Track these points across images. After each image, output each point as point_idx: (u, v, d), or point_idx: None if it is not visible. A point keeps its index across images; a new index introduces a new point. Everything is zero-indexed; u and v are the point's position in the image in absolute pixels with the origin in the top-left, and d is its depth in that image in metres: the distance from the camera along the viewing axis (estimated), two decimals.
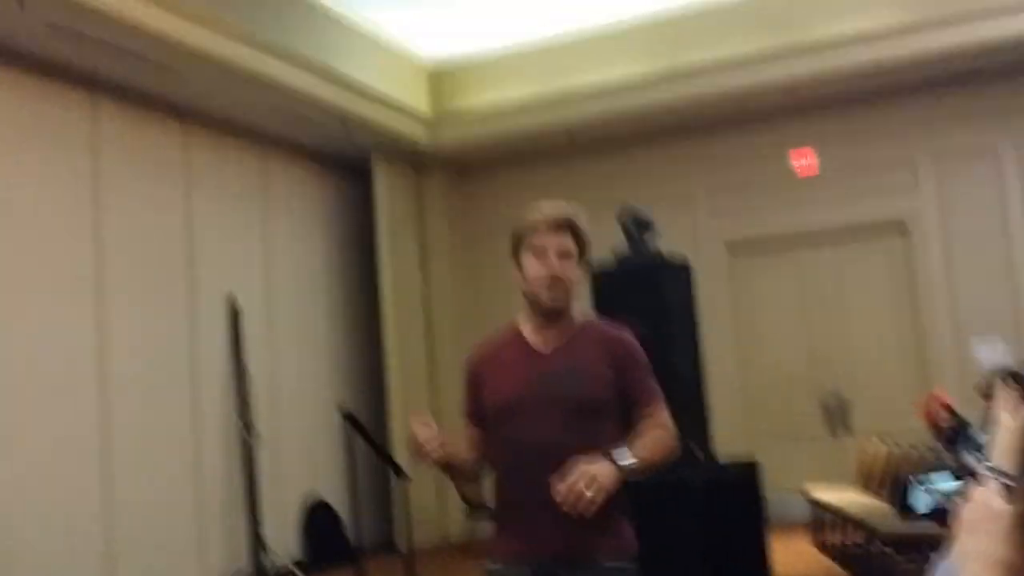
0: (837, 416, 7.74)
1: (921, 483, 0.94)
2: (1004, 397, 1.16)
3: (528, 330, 2.33)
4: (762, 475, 4.95)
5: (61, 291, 5.69)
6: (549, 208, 2.32)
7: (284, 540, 7.09)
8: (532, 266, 2.26)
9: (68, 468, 5.57)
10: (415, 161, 8.42)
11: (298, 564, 6.83)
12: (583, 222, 2.32)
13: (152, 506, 6.03)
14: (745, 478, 4.79)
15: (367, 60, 7.34)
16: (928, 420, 6.19)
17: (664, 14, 7.41)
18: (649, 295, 4.68)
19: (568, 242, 2.28)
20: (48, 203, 5.68)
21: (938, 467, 1.03)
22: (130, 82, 6.09)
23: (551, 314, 2.29)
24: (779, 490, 7.30)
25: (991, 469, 0.96)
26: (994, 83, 7.26)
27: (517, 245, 2.31)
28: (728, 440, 7.62)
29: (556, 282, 2.25)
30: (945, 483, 0.93)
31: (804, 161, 7.83)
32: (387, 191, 8.16)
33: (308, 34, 6.70)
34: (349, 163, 8.21)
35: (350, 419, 5.11)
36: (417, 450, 2.21)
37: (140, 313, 6.20)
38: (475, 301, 8.43)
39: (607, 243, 5.37)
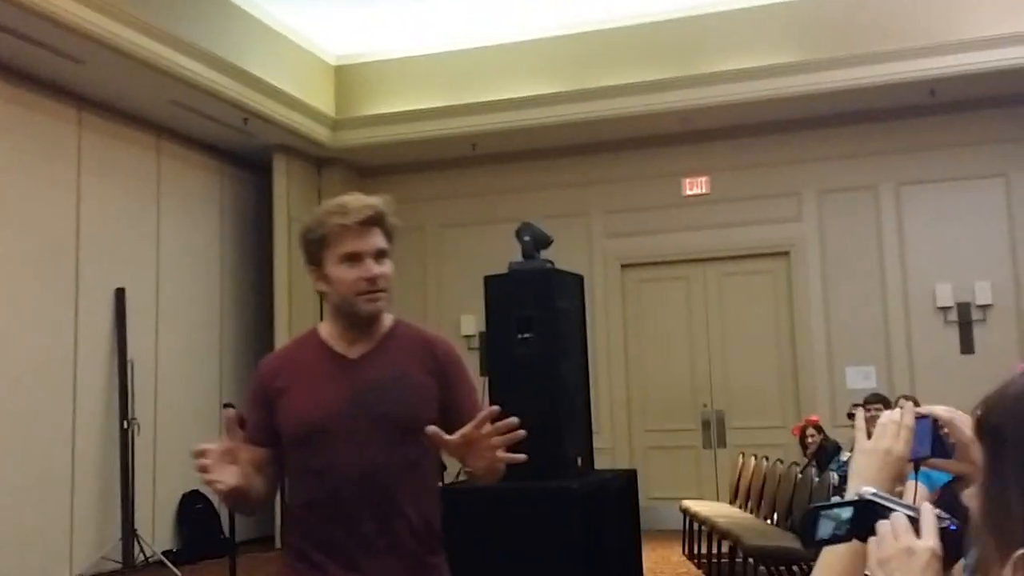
0: (714, 431, 8.04)
1: (823, 511, 1.03)
2: (863, 420, 1.26)
3: (331, 334, 2.00)
4: (639, 484, 5.15)
5: None
6: (354, 204, 1.95)
7: (160, 531, 7.03)
8: (345, 274, 1.93)
9: None
10: (317, 160, 8.43)
11: (170, 554, 6.77)
12: (391, 211, 2.00)
13: (26, 494, 5.93)
14: (622, 487, 4.96)
15: (273, 57, 7.34)
16: (799, 438, 6.53)
17: (571, 35, 7.60)
18: (540, 302, 4.79)
19: (381, 239, 1.97)
20: None
21: (837, 497, 1.10)
22: (28, 68, 6.01)
23: (367, 322, 1.98)
24: (657, 500, 7.58)
25: (902, 506, 0.98)
26: (878, 123, 7.65)
27: (317, 251, 1.96)
28: (610, 450, 7.88)
29: (377, 290, 1.95)
30: (845, 512, 1.02)
31: (696, 188, 8.13)
32: (286, 188, 8.14)
33: (214, 28, 6.67)
34: (250, 158, 8.18)
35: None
36: (209, 483, 1.84)
37: (26, 299, 6.09)
38: None
39: (505, 256, 5.50)
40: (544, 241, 5.02)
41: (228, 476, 1.83)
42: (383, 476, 1.89)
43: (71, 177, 6.56)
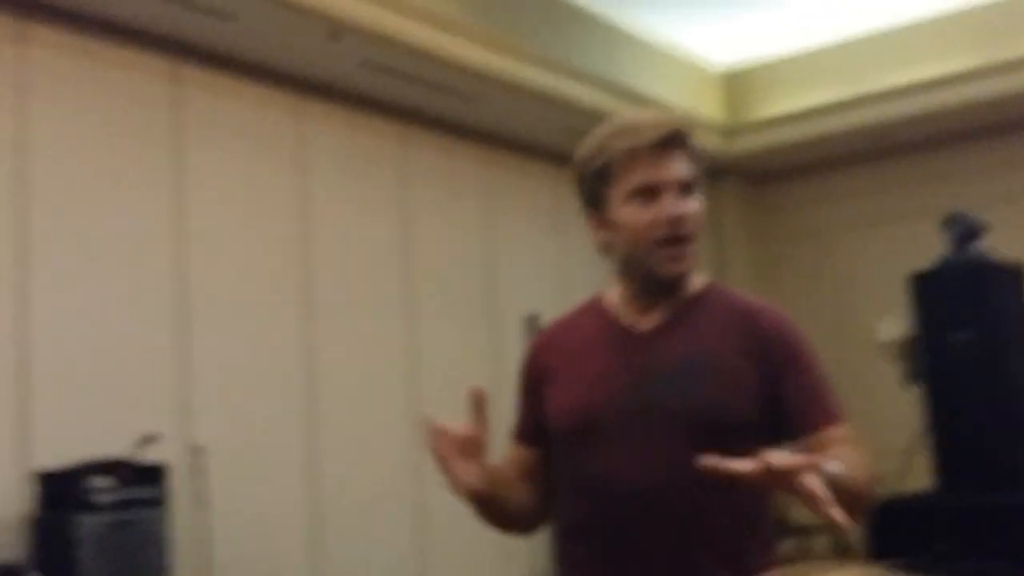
0: None
1: None
2: None
3: (617, 300, 1.53)
4: None
5: (379, 316, 5.98)
6: (648, 120, 1.47)
7: None
8: (637, 215, 1.44)
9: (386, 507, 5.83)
10: (710, 170, 8.20)
11: None
12: (693, 130, 1.51)
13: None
14: None
15: (657, 71, 7.27)
16: None
17: (982, 4, 6.84)
18: (976, 300, 4.29)
19: (686, 167, 1.46)
20: (360, 229, 5.99)
21: None
22: (435, 111, 6.35)
23: (667, 285, 1.47)
24: None
25: None
26: None
27: (597, 188, 1.50)
28: None
29: (682, 233, 1.43)
30: None
31: None
32: None
33: (597, 50, 6.72)
34: None
35: None
36: (447, 475, 1.37)
37: (445, 334, 6.43)
38: None
39: (923, 254, 4.99)
40: (977, 230, 4.49)
41: (469, 474, 1.36)
42: (676, 496, 1.34)
43: (480, 217, 6.87)
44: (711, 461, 1.15)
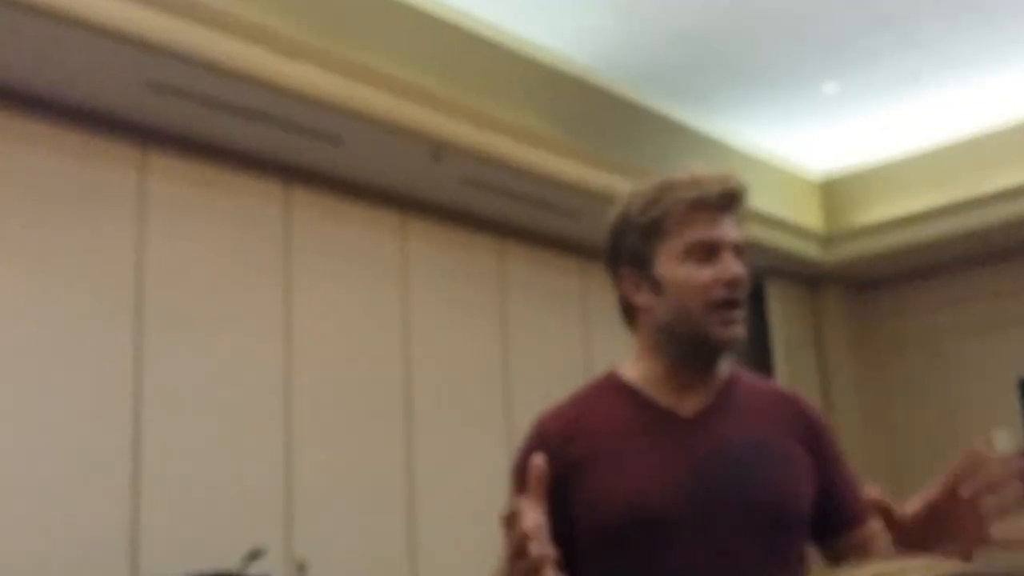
0: None
1: None
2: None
3: (646, 379, 1.39)
4: None
5: (479, 427, 6.00)
6: (712, 176, 1.40)
7: None
8: (694, 275, 1.33)
9: None
10: (810, 279, 8.16)
11: None
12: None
13: None
14: None
15: (753, 181, 7.26)
16: None
17: None
18: None
19: (739, 230, 1.40)
20: (461, 343, 6.05)
21: None
22: (533, 225, 6.45)
23: (712, 357, 1.37)
24: None
25: None
26: None
27: (644, 244, 1.37)
28: None
29: (738, 296, 1.34)
30: None
31: None
32: (781, 311, 7.94)
33: (693, 161, 6.78)
34: None
35: None
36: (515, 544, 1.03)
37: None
38: (882, 423, 7.90)
39: None
40: None
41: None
42: None
43: (577, 329, 6.89)
44: (875, 499, 1.03)
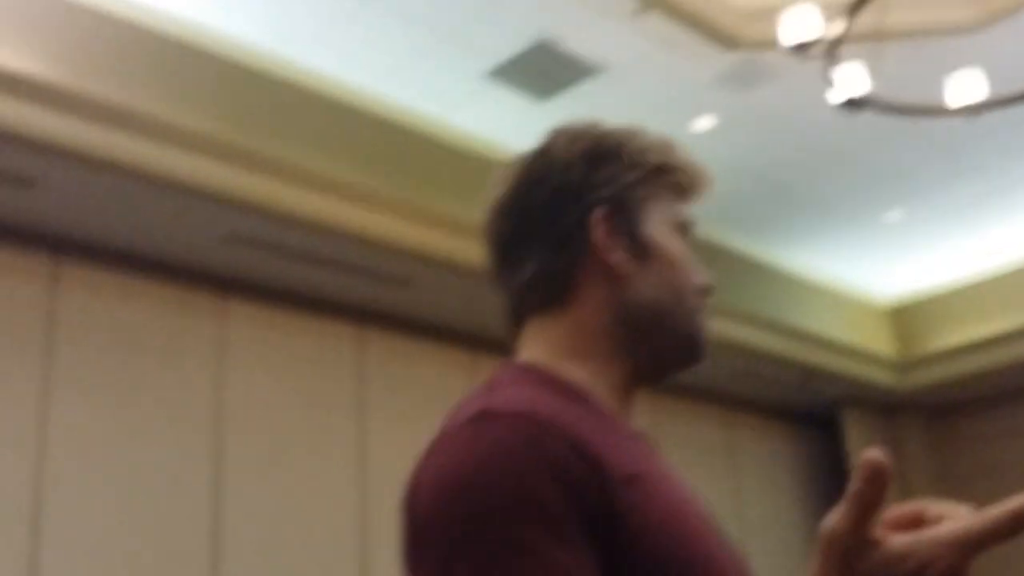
0: None
1: None
2: None
3: (601, 393, 0.96)
4: None
5: None
6: (699, 166, 1.04)
7: None
8: (686, 253, 1.01)
9: None
10: (885, 407, 8.01)
11: None
12: None
13: None
14: None
15: (824, 311, 7.26)
16: None
17: None
18: None
19: None
20: None
21: None
22: None
23: (683, 367, 1.04)
24: None
25: None
26: None
27: (633, 191, 0.98)
28: None
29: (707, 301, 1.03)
30: None
31: None
32: (858, 440, 7.77)
33: (764, 293, 6.80)
34: (813, 416, 7.99)
35: None
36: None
37: None
38: None
39: None
40: None
41: None
42: None
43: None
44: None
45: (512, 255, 1.01)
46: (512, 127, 5.07)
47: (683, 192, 1.03)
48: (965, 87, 3.94)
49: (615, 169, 0.99)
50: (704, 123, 5.37)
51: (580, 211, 0.97)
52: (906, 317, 7.83)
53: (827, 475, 8.05)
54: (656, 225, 0.99)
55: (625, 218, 0.98)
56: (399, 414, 5.36)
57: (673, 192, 1.02)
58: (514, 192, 1.01)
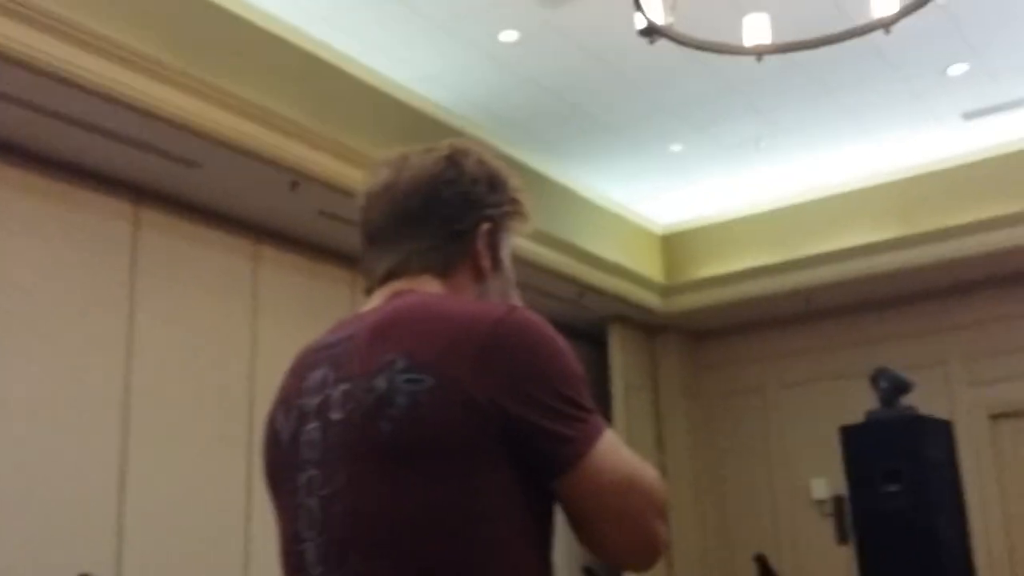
0: None
1: None
2: None
3: None
4: None
5: None
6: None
7: None
8: (513, 276, 1.36)
9: None
10: (648, 327, 8.47)
11: None
12: None
13: None
14: None
15: (603, 231, 7.57)
16: None
17: (907, 177, 7.30)
18: (907, 451, 4.44)
19: None
20: None
21: None
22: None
23: None
24: None
25: None
26: None
27: (497, 204, 1.30)
28: None
29: None
30: None
31: None
32: (621, 356, 8.21)
33: (546, 208, 7.00)
34: (582, 331, 8.37)
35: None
36: None
37: None
38: (711, 465, 8.27)
39: (854, 414, 5.18)
40: (903, 386, 4.70)
41: None
42: None
43: None
44: None
45: (411, 226, 1.29)
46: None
47: (520, 231, 1.35)
48: (754, 30, 4.17)
49: (501, 197, 1.32)
50: (510, 35, 5.43)
51: (474, 218, 1.30)
52: (675, 244, 8.27)
53: (592, 388, 8.45)
54: (505, 249, 1.33)
55: (496, 237, 1.32)
56: (173, 295, 5.25)
57: (517, 228, 1.35)
58: (425, 182, 1.29)
